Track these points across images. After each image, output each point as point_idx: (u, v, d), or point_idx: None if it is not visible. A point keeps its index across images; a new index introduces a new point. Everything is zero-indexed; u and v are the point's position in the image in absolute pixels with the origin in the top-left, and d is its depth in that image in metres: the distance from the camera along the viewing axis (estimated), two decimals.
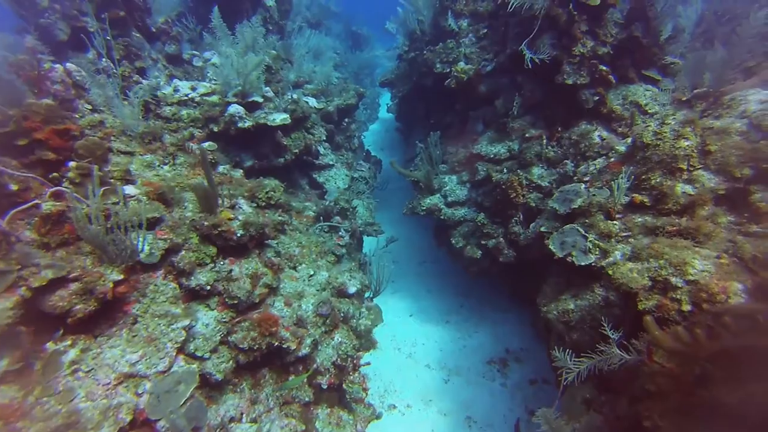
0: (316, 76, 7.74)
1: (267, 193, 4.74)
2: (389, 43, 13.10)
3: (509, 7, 5.47)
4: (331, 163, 7.37)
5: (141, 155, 4.47)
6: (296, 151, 6.52)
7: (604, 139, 5.47)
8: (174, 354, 3.21)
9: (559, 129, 5.89)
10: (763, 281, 2.94)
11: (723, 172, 3.97)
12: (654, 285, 3.31)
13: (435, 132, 7.18)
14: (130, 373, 3.03)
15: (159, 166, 4.50)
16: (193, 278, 3.63)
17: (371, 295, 5.07)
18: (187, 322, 3.29)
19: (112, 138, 4.35)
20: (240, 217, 4.11)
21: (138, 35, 6.40)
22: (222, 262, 3.90)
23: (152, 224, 3.63)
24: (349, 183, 7.37)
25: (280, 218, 4.80)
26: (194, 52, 7.49)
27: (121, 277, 3.17)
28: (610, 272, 3.52)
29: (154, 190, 3.87)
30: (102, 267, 3.15)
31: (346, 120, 8.17)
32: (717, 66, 4.98)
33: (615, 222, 4.17)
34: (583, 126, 5.69)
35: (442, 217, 6.06)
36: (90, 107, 4.61)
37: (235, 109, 5.85)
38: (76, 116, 4.32)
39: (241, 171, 5.63)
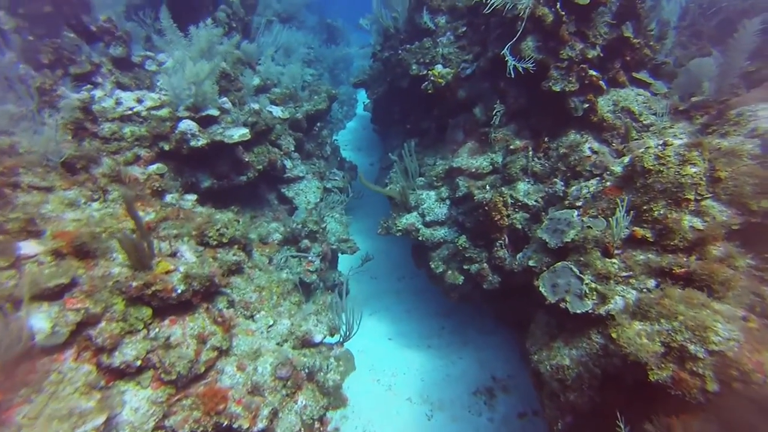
0: (284, 78, 6.87)
1: (218, 230, 3.97)
2: (365, 37, 12.14)
3: (489, 8, 4.69)
4: (300, 175, 6.58)
5: (62, 190, 3.64)
6: (260, 167, 5.72)
7: (596, 151, 4.82)
8: None
9: (546, 139, 5.21)
10: None
11: (736, 203, 3.35)
12: (668, 351, 2.70)
13: (410, 141, 6.45)
14: None
15: (85, 204, 3.68)
16: (117, 354, 2.88)
17: (341, 340, 4.39)
18: (101, 420, 2.55)
19: (21, 170, 3.50)
20: (181, 269, 3.35)
21: (72, 35, 5.42)
22: (158, 327, 3.15)
23: (60, 291, 2.86)
24: (320, 196, 6.61)
25: (235, 258, 4.05)
26: (147, 53, 6.50)
27: None
28: (614, 335, 2.89)
29: (68, 242, 3.07)
30: None
31: (318, 125, 7.35)
32: (717, 74, 4.37)
33: (614, 260, 3.54)
34: (572, 136, 5.03)
35: (419, 238, 5.38)
36: None
37: (187, 125, 5.01)
38: None
39: (194, 198, 4.82)
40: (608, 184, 3.97)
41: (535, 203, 4.86)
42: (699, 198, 3.45)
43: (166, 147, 5.02)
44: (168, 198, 4.46)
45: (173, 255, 3.54)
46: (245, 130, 5.27)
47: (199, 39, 5.62)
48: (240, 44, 7.64)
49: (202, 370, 3.20)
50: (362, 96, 11.29)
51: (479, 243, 5.08)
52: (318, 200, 6.50)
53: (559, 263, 3.72)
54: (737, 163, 3.51)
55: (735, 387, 2.37)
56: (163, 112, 5.17)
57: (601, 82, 5.02)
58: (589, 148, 4.84)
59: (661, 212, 3.47)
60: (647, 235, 3.48)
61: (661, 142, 3.87)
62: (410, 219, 5.46)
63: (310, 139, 7.12)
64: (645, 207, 3.55)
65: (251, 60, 6.39)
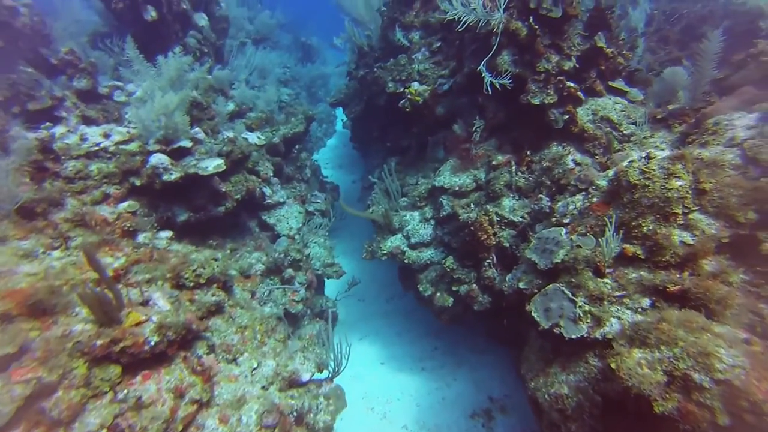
0: (259, 102, 6.66)
1: (195, 271, 3.72)
2: (341, 55, 12.01)
3: (461, 25, 4.58)
4: (281, 200, 6.36)
5: (17, 240, 3.36)
6: (238, 196, 5.48)
7: (579, 163, 4.73)
8: None
9: (529, 152, 5.11)
10: None
11: (723, 216, 3.26)
12: (671, 381, 2.55)
13: (390, 161, 6.30)
14: None
15: (44, 253, 3.40)
16: (77, 426, 2.60)
17: (330, 376, 4.16)
18: None
19: None
20: (154, 318, 3.10)
21: (30, 70, 5.13)
22: (129, 386, 2.88)
23: (6, 362, 2.56)
24: (302, 221, 6.39)
25: (214, 299, 3.80)
26: (116, 83, 6.21)
27: None
28: (613, 365, 2.73)
29: (19, 302, 2.79)
30: None
31: (297, 147, 7.14)
32: (691, 83, 4.34)
33: (606, 280, 3.41)
34: (554, 148, 4.94)
35: (406, 261, 5.19)
36: None
37: (158, 159, 4.75)
38: None
39: (169, 235, 4.56)
40: (595, 199, 3.86)
41: (521, 219, 4.73)
42: (686, 211, 3.36)
43: (138, 182, 4.76)
44: (140, 237, 4.19)
45: (145, 303, 3.28)
46: (220, 161, 5.04)
47: (168, 68, 5.38)
48: (212, 69, 7.43)
49: (180, 429, 2.93)
50: (341, 113, 11.15)
51: (467, 263, 4.92)
52: (300, 225, 6.28)
53: (551, 286, 3.57)
54: (720, 173, 3.43)
55: (746, 419, 2.23)
56: (133, 146, 4.90)
57: (579, 93, 4.96)
58: (572, 160, 4.76)
59: (650, 228, 3.36)
60: (638, 252, 3.36)
61: (644, 154, 3.78)
62: (395, 242, 5.28)
63: (289, 163, 6.91)
64: (634, 223, 3.44)
65: (224, 86, 6.16)
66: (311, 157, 9.54)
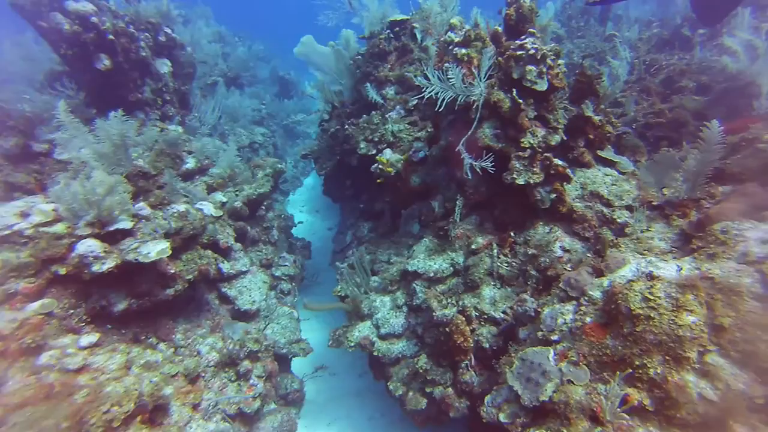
0: (221, 161, 5.88)
1: (105, 415, 2.92)
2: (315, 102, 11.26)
3: (440, 105, 3.91)
4: (243, 269, 5.57)
5: None
6: (190, 277, 4.69)
7: (568, 250, 4.09)
8: None
9: (512, 234, 4.45)
10: None
11: (752, 366, 2.61)
12: None
13: (363, 225, 5.58)
14: None
15: None
16: None
17: None
18: None
19: None
20: None
21: None
22: None
23: None
24: (267, 291, 5.61)
25: None
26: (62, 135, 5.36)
27: None
28: None
29: None
30: None
31: (264, 206, 6.37)
32: (692, 171, 3.73)
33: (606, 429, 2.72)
34: (540, 230, 4.30)
35: (375, 354, 4.46)
36: None
37: (87, 247, 3.95)
38: None
39: (93, 339, 3.74)
40: (588, 319, 3.18)
41: (502, 316, 4.04)
42: (702, 350, 2.70)
43: (62, 271, 3.94)
44: (44, 358, 3.33)
45: None
46: (165, 245, 4.25)
47: (108, 133, 4.59)
48: (174, 119, 6.65)
49: None
50: None
51: (442, 362, 4.21)
52: (264, 297, 5.50)
53: None
54: (739, 304, 2.78)
55: None
56: (58, 228, 4.07)
57: (567, 170, 4.31)
58: (560, 247, 4.11)
59: (658, 371, 2.69)
60: (645, 403, 2.68)
61: (646, 271, 3.13)
62: (364, 331, 4.54)
63: (254, 224, 6.14)
64: (638, 362, 2.77)
65: (177, 149, 5.37)
66: (285, 205, 8.79)
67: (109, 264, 3.98)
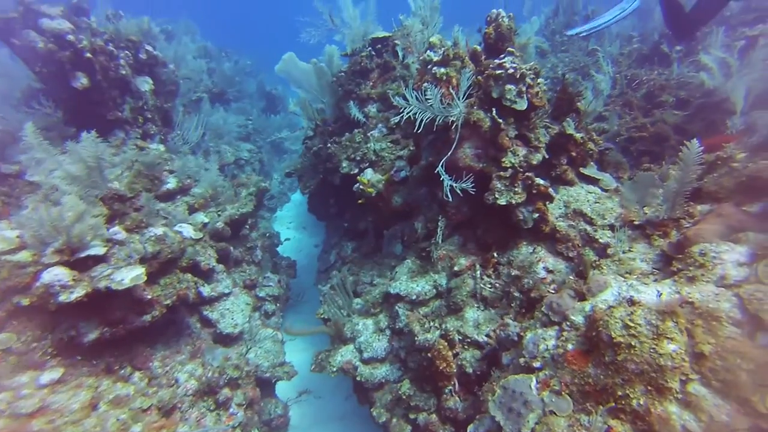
0: (203, 181, 5.76)
1: None
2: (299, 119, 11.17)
3: (418, 127, 3.85)
4: (226, 291, 5.42)
5: None
6: (168, 302, 4.52)
7: (551, 271, 4.02)
8: None
9: (495, 254, 4.37)
10: None
11: (733, 396, 2.53)
12: None
13: (347, 245, 5.47)
14: None
15: None
16: None
17: None
18: None
19: None
20: None
21: None
22: None
23: None
24: (249, 314, 5.45)
25: None
26: (35, 155, 5.20)
27: None
28: None
29: None
30: None
31: (248, 225, 6.24)
32: (672, 191, 3.69)
33: None
34: (523, 250, 4.23)
35: (358, 378, 4.33)
36: None
37: (53, 276, 3.78)
38: None
39: (56, 376, 3.56)
40: (570, 346, 3.09)
41: (486, 339, 3.94)
42: (684, 379, 2.62)
43: (25, 302, 3.77)
44: None
45: None
46: (140, 270, 4.09)
47: (81, 155, 4.45)
48: (155, 137, 6.52)
49: None
50: None
51: (426, 387, 4.09)
52: (246, 320, 5.35)
53: None
54: (718, 330, 2.71)
55: None
56: (23, 255, 3.91)
57: (550, 190, 4.25)
58: (544, 267, 4.04)
59: (641, 402, 2.60)
60: None
61: (626, 295, 3.06)
62: (346, 355, 4.41)
63: (237, 244, 6.00)
64: (620, 392, 2.68)
65: (154, 171, 5.24)
66: (272, 221, 8.66)
67: (78, 293, 3.81)
